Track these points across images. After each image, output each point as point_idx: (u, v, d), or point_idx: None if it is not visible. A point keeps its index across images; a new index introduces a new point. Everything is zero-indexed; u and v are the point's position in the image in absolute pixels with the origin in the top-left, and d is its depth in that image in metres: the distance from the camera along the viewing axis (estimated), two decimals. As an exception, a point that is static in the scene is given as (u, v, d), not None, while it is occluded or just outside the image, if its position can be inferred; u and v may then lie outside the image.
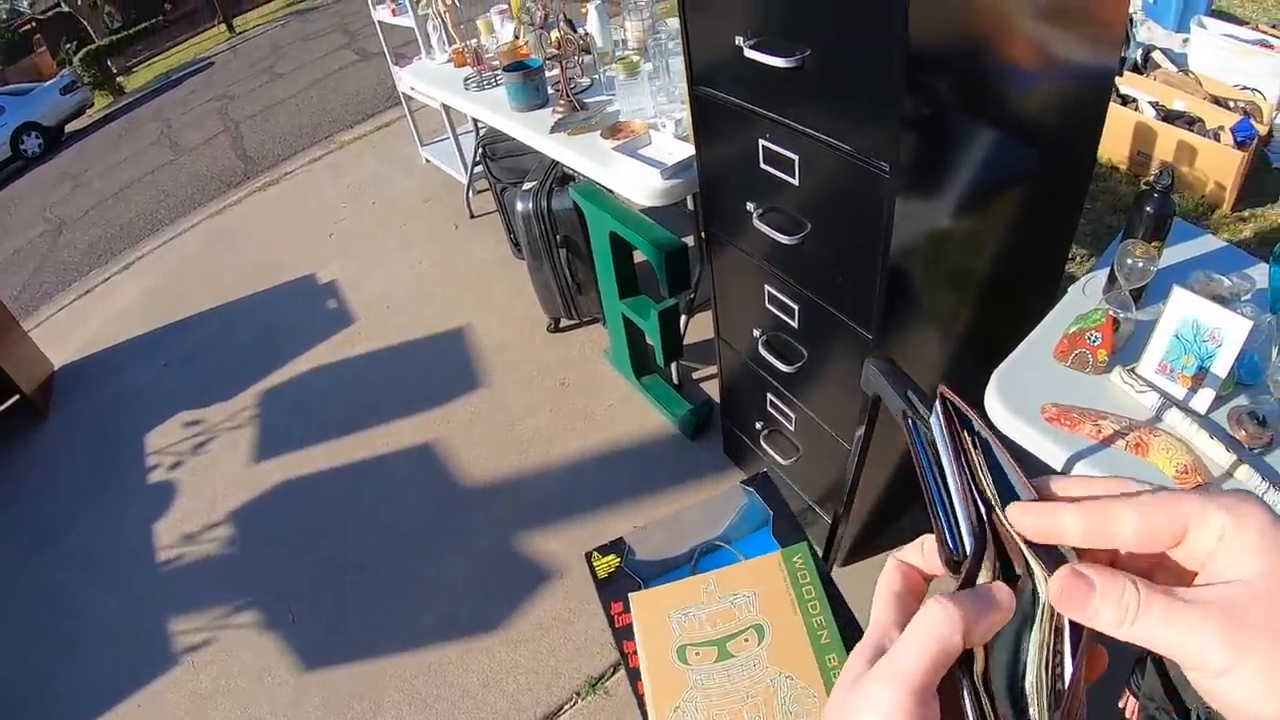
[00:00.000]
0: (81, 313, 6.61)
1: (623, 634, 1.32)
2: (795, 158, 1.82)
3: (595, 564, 1.40)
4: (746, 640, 1.20)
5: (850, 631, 1.25)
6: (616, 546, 1.44)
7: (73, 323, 6.46)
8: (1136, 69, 4.58)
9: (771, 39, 1.69)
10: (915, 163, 1.59)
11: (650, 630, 1.23)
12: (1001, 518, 0.45)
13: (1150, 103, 4.20)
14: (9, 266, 9.28)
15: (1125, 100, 4.28)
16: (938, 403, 0.51)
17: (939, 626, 0.42)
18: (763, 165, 1.93)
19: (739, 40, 1.75)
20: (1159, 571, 0.43)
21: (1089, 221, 3.97)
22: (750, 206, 2.05)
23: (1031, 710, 0.42)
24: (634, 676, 1.27)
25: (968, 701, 0.43)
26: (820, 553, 1.57)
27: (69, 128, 17.30)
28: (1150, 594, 0.39)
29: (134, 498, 4.20)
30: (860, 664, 0.45)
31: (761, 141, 1.90)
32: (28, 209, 12.00)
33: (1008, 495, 0.46)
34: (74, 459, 4.72)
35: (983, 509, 0.46)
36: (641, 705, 1.25)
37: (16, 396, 5.16)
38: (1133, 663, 1.93)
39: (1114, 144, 4.27)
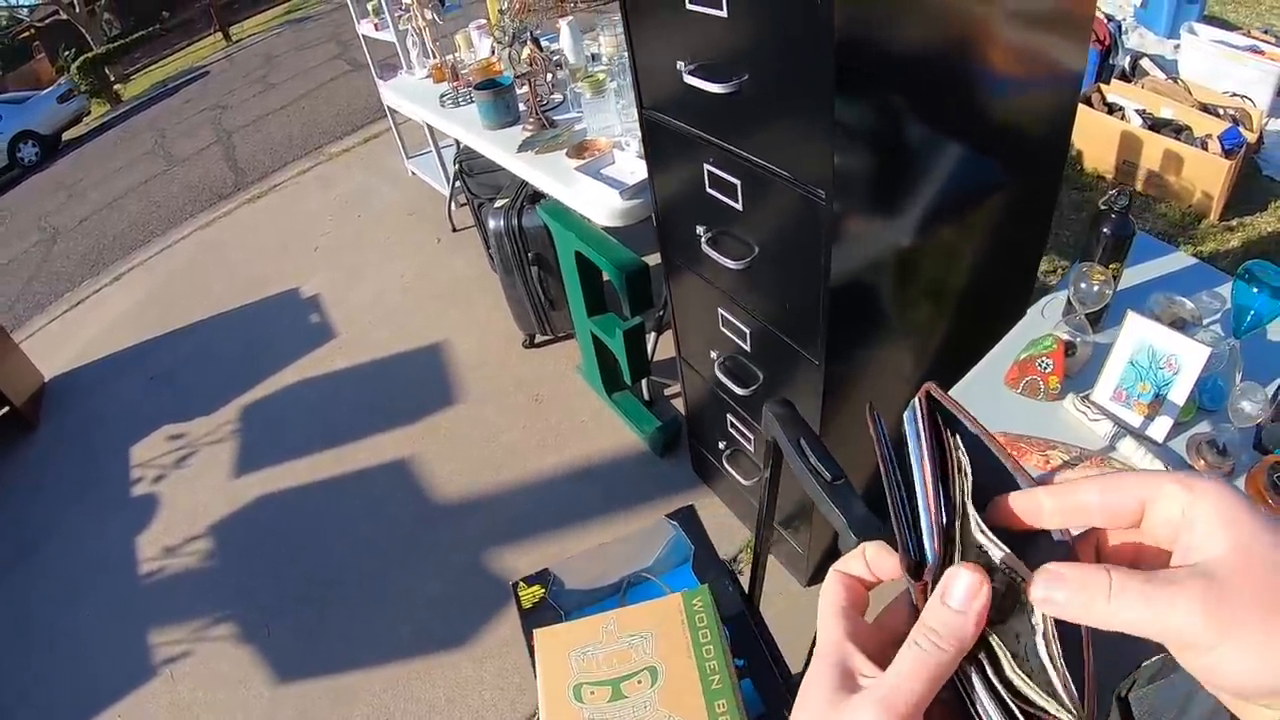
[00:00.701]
0: (73, 324, 6.64)
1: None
2: (738, 183, 1.83)
3: (520, 594, 1.41)
4: (639, 682, 1.20)
5: (761, 669, 1.25)
6: (542, 577, 1.45)
7: (64, 334, 6.49)
8: (1124, 76, 4.57)
9: (711, 64, 1.70)
10: (857, 185, 1.58)
11: (550, 666, 1.24)
12: (976, 522, 0.46)
13: (1137, 111, 4.18)
14: (3, 276, 9.31)
15: (1111, 109, 4.26)
16: (918, 401, 0.51)
17: (937, 653, 0.43)
18: (708, 190, 1.94)
19: (680, 65, 1.75)
20: (1141, 563, 0.44)
21: (1071, 233, 3.96)
22: (699, 230, 2.05)
23: (1064, 700, 0.41)
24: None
25: (986, 706, 0.43)
26: (746, 589, 1.57)
27: (66, 136, 17.31)
28: (1125, 578, 0.39)
29: (117, 510, 4.23)
30: (827, 688, 0.45)
31: (706, 166, 1.91)
32: (23, 218, 12.02)
33: (1007, 487, 0.48)
34: (60, 471, 4.75)
35: (944, 517, 0.47)
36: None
37: (6, 408, 5.18)
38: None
39: (1100, 153, 4.25)
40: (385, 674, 2.99)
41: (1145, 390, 1.53)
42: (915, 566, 0.47)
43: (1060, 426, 1.58)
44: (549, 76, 3.73)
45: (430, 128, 5.23)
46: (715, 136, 1.84)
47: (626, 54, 2.97)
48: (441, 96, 4.24)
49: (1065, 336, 1.66)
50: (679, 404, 3.54)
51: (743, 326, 2.16)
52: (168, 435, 4.67)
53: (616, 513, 3.23)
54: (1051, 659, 0.41)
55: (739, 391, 2.28)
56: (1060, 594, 0.41)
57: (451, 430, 3.93)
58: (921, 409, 0.51)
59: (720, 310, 2.22)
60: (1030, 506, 0.46)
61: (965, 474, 0.48)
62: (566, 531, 3.23)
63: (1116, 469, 1.32)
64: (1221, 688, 0.39)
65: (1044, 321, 1.85)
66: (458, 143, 4.96)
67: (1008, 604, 0.44)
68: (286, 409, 4.56)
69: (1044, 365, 1.62)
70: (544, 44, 3.76)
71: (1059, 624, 0.41)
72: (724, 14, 1.57)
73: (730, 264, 1.94)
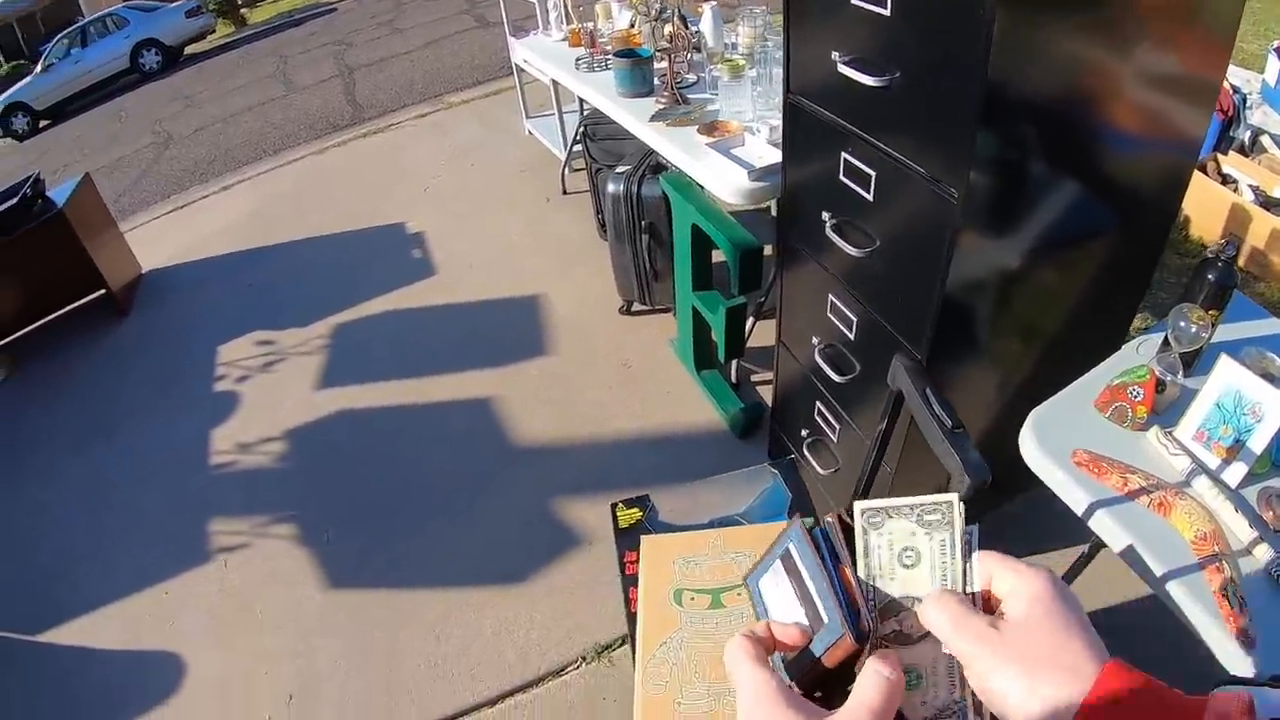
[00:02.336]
0: (175, 225, 6.83)
1: (630, 581, 1.40)
2: (873, 174, 1.88)
3: (619, 513, 1.49)
4: (739, 595, 1.26)
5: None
6: (641, 502, 1.52)
7: (166, 233, 6.69)
8: (1243, 150, 4.50)
9: (865, 58, 1.75)
10: (984, 196, 1.64)
11: (654, 570, 1.31)
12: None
13: (1250, 186, 4.09)
14: (114, 170, 9.55)
15: (1225, 180, 4.19)
16: (833, 519, 0.71)
17: (887, 684, 0.58)
18: (841, 177, 2.00)
19: (835, 55, 1.82)
20: None
21: (1169, 295, 3.92)
22: (825, 216, 2.11)
23: None
24: (633, 622, 1.34)
25: None
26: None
27: (189, 49, 17.67)
28: (963, 612, 0.58)
29: (197, 402, 4.37)
30: (783, 707, 0.59)
31: (843, 154, 1.96)
32: (138, 120, 12.31)
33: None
34: (146, 358, 4.94)
35: (871, 602, 0.64)
36: (634, 645, 1.33)
37: (103, 291, 5.38)
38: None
39: (1207, 222, 4.19)
40: (436, 597, 3.06)
41: (1227, 434, 1.54)
42: (857, 633, 0.63)
43: (1140, 456, 1.59)
44: (688, 55, 3.80)
45: (556, 91, 5.32)
46: (858, 127, 1.90)
47: (770, 42, 3.06)
48: (577, 60, 4.33)
49: (1158, 371, 1.69)
50: (763, 392, 3.58)
51: (850, 315, 2.21)
52: (257, 340, 4.83)
53: (689, 483, 3.25)
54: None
55: (835, 379, 2.33)
56: (933, 612, 0.60)
57: (537, 380, 4.00)
58: (838, 529, 0.70)
59: (831, 296, 2.27)
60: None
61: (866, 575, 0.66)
62: (638, 492, 3.26)
63: (1190, 501, 1.39)
64: (999, 709, 0.54)
65: (1138, 358, 1.87)
66: (581, 108, 5.05)
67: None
68: (376, 334, 4.68)
69: (1134, 393, 1.63)
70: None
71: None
72: (887, 12, 1.63)
73: (853, 251, 2.00)
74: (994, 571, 0.60)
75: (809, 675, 0.65)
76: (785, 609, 0.70)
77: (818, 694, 0.65)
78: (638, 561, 1.40)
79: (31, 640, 3.27)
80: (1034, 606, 0.56)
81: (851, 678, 0.60)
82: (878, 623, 0.63)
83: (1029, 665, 0.53)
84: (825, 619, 0.65)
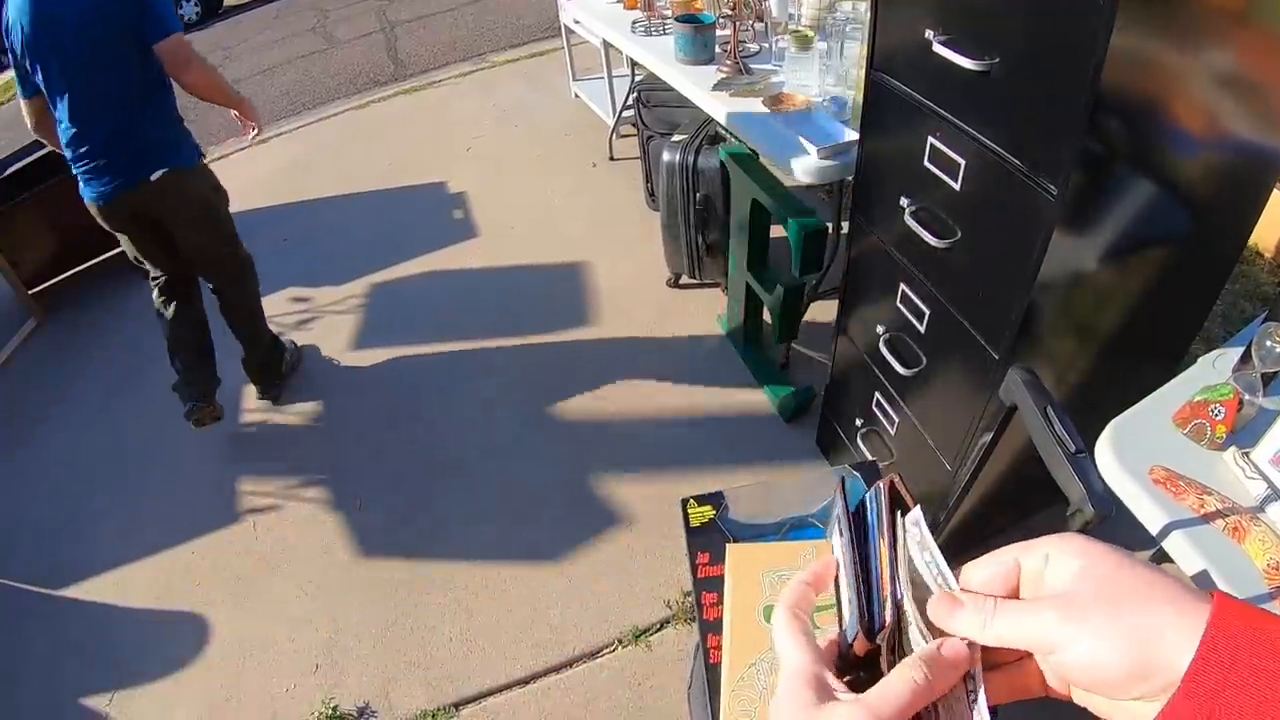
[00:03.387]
0: (211, 177, 6.78)
1: (703, 584, 1.33)
2: (962, 162, 1.80)
3: (690, 511, 1.42)
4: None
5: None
6: (714, 499, 1.45)
7: (201, 186, 6.63)
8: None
9: (963, 39, 1.67)
10: (1080, 195, 1.57)
11: (741, 584, 1.24)
12: (905, 600, 0.56)
13: None
14: (149, 124, 9.49)
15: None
16: (881, 486, 0.63)
17: (912, 691, 0.50)
18: (926, 163, 1.92)
19: (929, 34, 1.72)
20: None
21: (1223, 303, 3.85)
22: (904, 202, 2.03)
23: None
24: (706, 628, 1.28)
25: None
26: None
27: (228, 2, 17.63)
28: (1004, 602, 0.52)
29: (228, 356, 4.32)
30: (807, 699, 0.52)
31: (930, 139, 1.88)
32: (176, 71, 12.26)
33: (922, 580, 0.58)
34: None
35: (898, 593, 0.57)
36: (709, 658, 1.26)
37: None
38: None
39: (1269, 232, 4.10)
40: (468, 569, 3.04)
41: (1306, 461, 1.49)
42: (870, 629, 0.57)
43: (1215, 476, 1.55)
44: (751, 24, 3.71)
45: (607, 53, 5.23)
46: (949, 111, 1.81)
47: (839, 13, 2.97)
48: (634, 23, 4.23)
49: (1239, 389, 1.63)
50: (813, 376, 3.49)
51: (923, 306, 2.14)
52: (292, 296, 4.79)
53: (733, 467, 3.23)
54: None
55: (900, 371, 2.26)
56: (945, 608, 0.53)
57: (579, 350, 3.96)
58: (885, 495, 0.62)
59: (903, 285, 2.20)
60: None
61: (909, 555, 0.59)
62: (680, 472, 3.24)
63: (1264, 529, 1.34)
64: (1091, 686, 0.48)
65: (1213, 373, 1.81)
66: (633, 72, 4.96)
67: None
68: (414, 295, 4.64)
69: (1216, 412, 1.59)
70: (752, -8, 3.75)
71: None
72: (993, -10, 1.55)
73: (933, 241, 1.92)
74: (1016, 556, 0.54)
75: (847, 659, 0.60)
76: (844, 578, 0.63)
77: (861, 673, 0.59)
78: (711, 564, 1.34)
79: (56, 594, 3.27)
80: (1085, 560, 0.50)
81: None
82: (900, 613, 0.56)
83: (1115, 611, 0.46)
84: (850, 608, 0.60)
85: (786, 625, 0.59)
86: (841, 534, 0.63)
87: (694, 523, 1.42)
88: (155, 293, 3.55)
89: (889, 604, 0.57)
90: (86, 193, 3.18)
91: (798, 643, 0.57)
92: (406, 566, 3.10)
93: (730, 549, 1.30)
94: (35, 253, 5.30)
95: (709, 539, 1.40)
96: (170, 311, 3.51)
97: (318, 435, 3.81)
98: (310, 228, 5.57)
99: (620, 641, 2.71)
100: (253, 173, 6.60)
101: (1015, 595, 0.54)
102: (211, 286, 3.69)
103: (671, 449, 3.33)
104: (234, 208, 5.37)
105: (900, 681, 0.50)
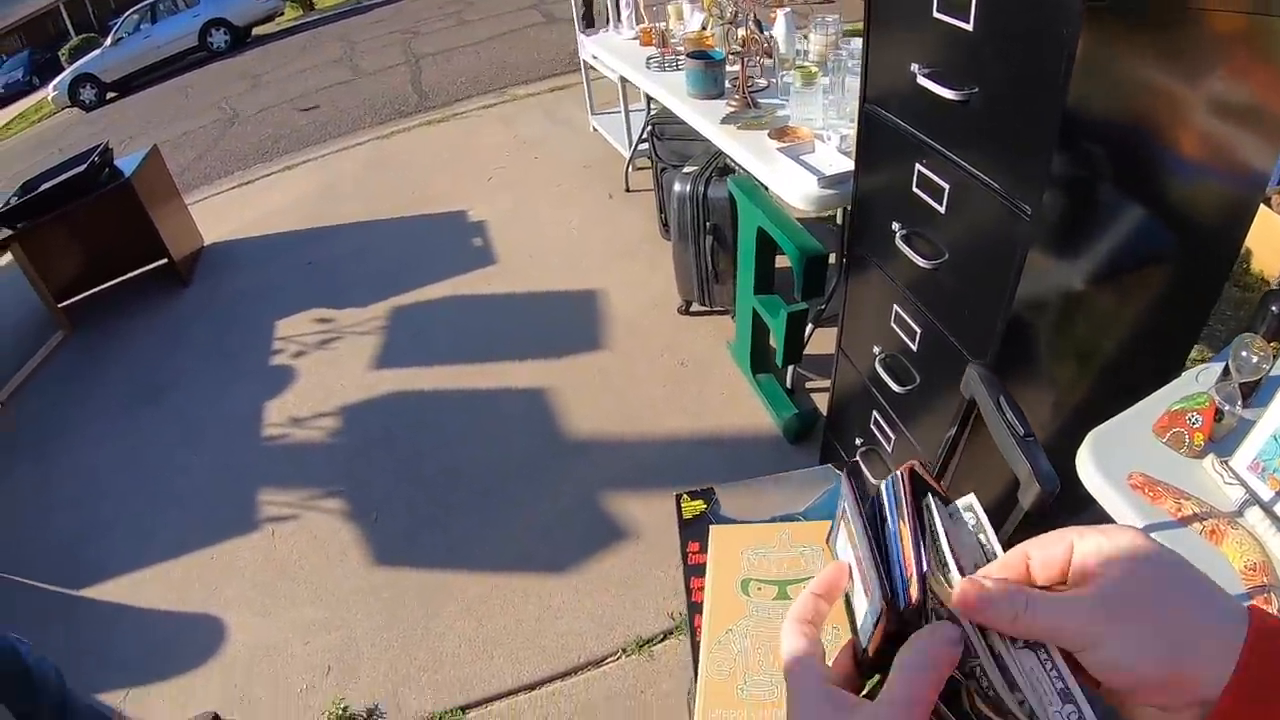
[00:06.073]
0: (239, 200, 7.01)
1: (692, 570, 1.43)
2: (946, 186, 1.89)
3: (683, 505, 1.52)
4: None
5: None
6: (706, 494, 1.55)
7: (229, 208, 6.87)
8: (1310, 185, 4.45)
9: (945, 72, 1.77)
10: (1055, 215, 1.65)
11: (722, 560, 1.33)
12: (936, 577, 0.55)
13: None
14: (178, 145, 9.73)
15: (1291, 214, 4.15)
16: (900, 474, 0.62)
17: (938, 658, 0.50)
18: (915, 189, 2.01)
19: (915, 68, 1.83)
20: None
21: (1226, 328, 3.89)
22: (895, 226, 2.13)
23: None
24: (694, 609, 1.37)
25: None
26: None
27: (256, 30, 17.95)
28: (1038, 594, 0.50)
29: (252, 374, 4.48)
30: (826, 707, 0.53)
31: (918, 166, 1.97)
32: (204, 97, 12.53)
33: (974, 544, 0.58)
34: (204, 327, 5.08)
35: (924, 566, 0.55)
36: (694, 635, 1.36)
37: (164, 260, 5.55)
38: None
39: (1271, 257, 4.10)
40: (481, 581, 3.11)
41: (1282, 466, 1.53)
42: (892, 602, 0.55)
43: (1194, 483, 1.58)
44: (760, 60, 3.82)
45: (624, 88, 5.39)
46: (933, 139, 1.91)
47: (843, 51, 3.07)
48: (648, 59, 4.37)
49: (1217, 400, 1.69)
50: (818, 399, 3.58)
51: (914, 325, 2.22)
52: (316, 318, 4.94)
53: (737, 485, 3.28)
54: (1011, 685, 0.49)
55: (895, 389, 2.34)
56: (972, 598, 0.50)
57: (592, 373, 4.04)
58: (904, 480, 0.61)
59: (896, 306, 2.28)
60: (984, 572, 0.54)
61: (937, 537, 0.57)
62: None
63: (1242, 531, 1.39)
64: (1123, 685, 0.47)
65: (1196, 385, 1.87)
66: (648, 106, 5.09)
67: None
68: (435, 318, 4.75)
69: (1193, 420, 1.62)
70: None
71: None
72: (970, 27, 1.64)
73: (922, 262, 2.01)
74: (1073, 539, 0.52)
75: (863, 662, 0.58)
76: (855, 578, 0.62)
77: (876, 678, 0.57)
78: (701, 552, 1.43)
79: (75, 595, 3.38)
80: (1128, 558, 0.49)
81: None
82: (925, 595, 0.54)
83: (1152, 616, 0.46)
84: (868, 595, 0.58)
85: (793, 641, 0.58)
86: (852, 524, 0.62)
87: (686, 515, 1.52)
88: None
89: (914, 581, 0.55)
90: None
91: (806, 662, 0.56)
92: (420, 576, 3.18)
93: (714, 530, 1.40)
94: (64, 268, 5.50)
95: (698, 530, 1.50)
96: None
97: (337, 449, 3.91)
98: (335, 252, 5.71)
99: (624, 650, 2.76)
100: (279, 199, 6.78)
101: (1064, 579, 0.52)
102: None
103: (679, 468, 3.40)
104: (257, 230, 5.52)
105: (908, 663, 0.50)
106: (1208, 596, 0.47)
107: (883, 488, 0.62)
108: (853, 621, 0.60)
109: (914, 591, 0.55)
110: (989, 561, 0.56)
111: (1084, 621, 0.47)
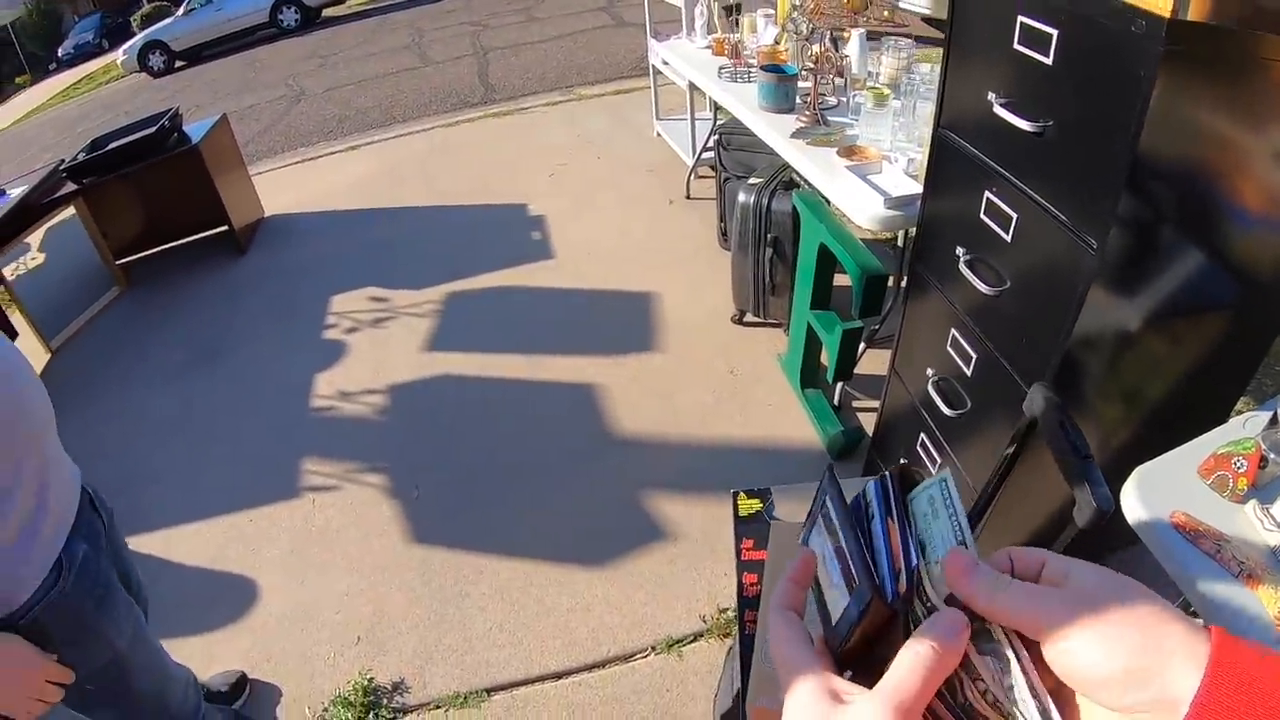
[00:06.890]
0: (300, 176, 7.12)
1: (745, 566, 1.46)
2: (1014, 215, 1.92)
3: (740, 501, 1.55)
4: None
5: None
6: (763, 494, 1.59)
7: (290, 183, 6.98)
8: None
9: (1021, 103, 1.80)
10: (1120, 252, 1.67)
11: (780, 560, 1.37)
12: (924, 568, 0.57)
13: None
14: (244, 117, 9.89)
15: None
16: (893, 474, 0.64)
17: (936, 654, 0.51)
18: (982, 215, 2.04)
19: (991, 96, 1.86)
20: None
21: (1275, 383, 3.85)
22: (960, 251, 2.15)
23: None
24: (745, 604, 1.40)
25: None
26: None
27: (327, 12, 18.09)
28: (1017, 580, 0.53)
29: (304, 344, 4.55)
30: (822, 706, 0.52)
31: (987, 193, 2.00)
32: (272, 73, 12.69)
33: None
34: (260, 297, 5.19)
35: (912, 561, 0.57)
36: (744, 629, 1.39)
37: (224, 228, 5.68)
38: None
39: None
40: (515, 566, 3.15)
41: (1322, 517, 1.52)
42: (879, 594, 0.55)
43: (1234, 527, 1.59)
44: (832, 78, 3.85)
45: (691, 95, 5.42)
46: (1005, 168, 1.94)
47: (916, 75, 3.09)
48: (720, 69, 4.41)
49: (1264, 447, 1.70)
50: (865, 419, 3.58)
51: (971, 351, 2.24)
52: (371, 295, 5.03)
53: (779, 497, 3.30)
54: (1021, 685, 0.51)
55: (946, 412, 2.37)
56: (959, 568, 0.54)
57: (641, 374, 4.07)
58: (892, 480, 0.63)
59: (953, 330, 2.31)
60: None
61: (927, 537, 0.59)
62: (728, 496, 3.28)
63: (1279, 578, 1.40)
64: (1086, 683, 0.49)
65: (1244, 432, 1.87)
66: (715, 116, 5.12)
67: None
68: (488, 306, 4.82)
69: (1238, 465, 1.63)
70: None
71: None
72: (1049, 61, 1.67)
73: (984, 288, 2.04)
74: (1046, 556, 0.56)
75: (843, 655, 0.58)
76: (830, 571, 0.62)
77: (848, 673, 0.58)
78: (755, 549, 1.46)
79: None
80: (1110, 575, 0.52)
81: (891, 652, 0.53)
82: (913, 589, 0.56)
83: (1126, 613, 0.48)
84: (850, 587, 0.57)
85: (785, 629, 0.59)
86: (835, 518, 0.62)
87: (742, 512, 1.55)
88: None
89: (903, 573, 0.56)
90: None
91: (799, 647, 0.57)
92: (456, 557, 3.22)
93: (775, 525, 1.43)
94: (125, 227, 5.66)
95: (753, 528, 1.53)
96: None
97: (384, 426, 3.98)
98: (393, 233, 5.80)
99: (654, 649, 2.79)
100: (341, 178, 6.89)
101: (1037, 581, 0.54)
102: None
103: (721, 474, 3.41)
104: (318, 205, 5.58)
105: (912, 658, 0.50)
106: (1173, 610, 0.49)
107: (869, 488, 0.64)
108: (824, 614, 0.61)
109: (902, 584, 0.56)
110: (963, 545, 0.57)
111: (1056, 610, 0.50)
